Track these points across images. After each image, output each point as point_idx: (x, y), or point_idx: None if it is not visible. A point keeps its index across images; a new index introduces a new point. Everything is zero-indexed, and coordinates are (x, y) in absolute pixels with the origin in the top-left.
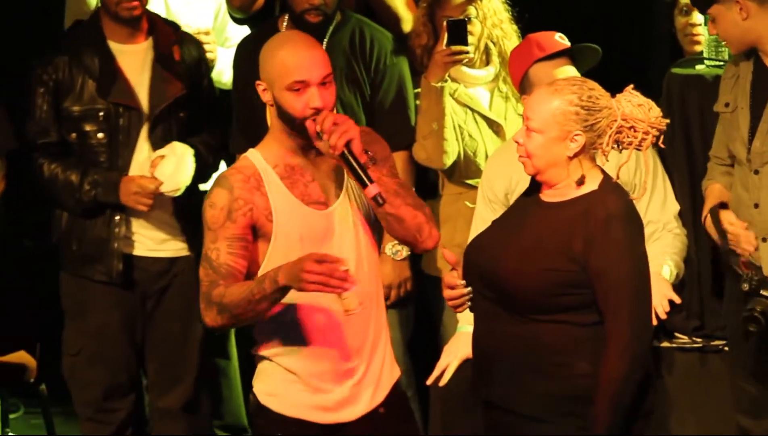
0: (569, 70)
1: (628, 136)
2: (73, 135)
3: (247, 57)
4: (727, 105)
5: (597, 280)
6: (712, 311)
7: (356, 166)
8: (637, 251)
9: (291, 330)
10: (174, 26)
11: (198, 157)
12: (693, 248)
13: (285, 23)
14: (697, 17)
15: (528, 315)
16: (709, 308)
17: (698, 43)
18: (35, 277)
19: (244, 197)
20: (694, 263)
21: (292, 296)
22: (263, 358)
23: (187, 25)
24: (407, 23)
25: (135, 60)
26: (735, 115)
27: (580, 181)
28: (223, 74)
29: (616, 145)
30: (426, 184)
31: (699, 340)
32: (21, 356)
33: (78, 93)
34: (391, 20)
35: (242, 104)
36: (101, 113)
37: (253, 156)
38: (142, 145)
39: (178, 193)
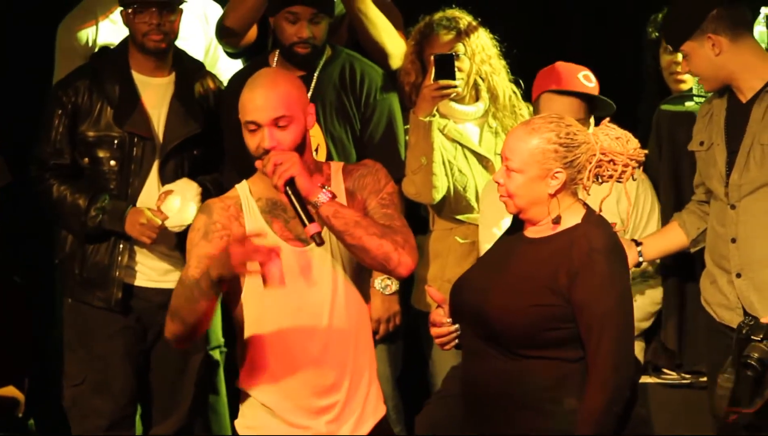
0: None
1: (608, 170)
2: (86, 160)
3: (236, 92)
4: (701, 143)
5: (580, 312)
6: (690, 346)
7: (296, 206)
8: (620, 284)
9: (266, 366)
10: (199, 65)
11: (206, 195)
12: (678, 285)
13: (276, 58)
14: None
15: (516, 351)
16: (687, 343)
17: (683, 81)
18: (24, 312)
19: (222, 222)
20: (676, 299)
21: (268, 330)
22: (242, 392)
23: None
24: (395, 59)
25: (155, 93)
26: (711, 153)
27: (556, 221)
28: None
29: (596, 179)
30: (417, 219)
31: (687, 376)
32: (10, 391)
33: (95, 118)
34: (379, 56)
35: (232, 138)
36: (116, 141)
37: (241, 188)
38: (153, 177)
39: (182, 230)
